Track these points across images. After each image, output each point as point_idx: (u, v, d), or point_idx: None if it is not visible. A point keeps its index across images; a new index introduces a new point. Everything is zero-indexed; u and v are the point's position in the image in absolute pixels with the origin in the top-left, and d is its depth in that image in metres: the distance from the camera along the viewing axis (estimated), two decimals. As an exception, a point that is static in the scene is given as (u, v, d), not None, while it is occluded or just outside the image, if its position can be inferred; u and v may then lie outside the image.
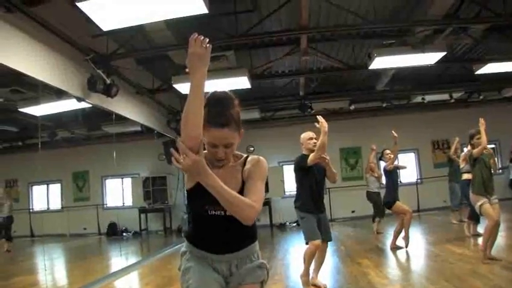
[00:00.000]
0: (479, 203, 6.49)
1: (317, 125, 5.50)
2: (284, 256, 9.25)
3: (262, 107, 14.30)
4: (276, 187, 15.85)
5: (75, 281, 8.10)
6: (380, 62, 8.85)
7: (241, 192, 2.28)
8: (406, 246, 8.45)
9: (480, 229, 8.48)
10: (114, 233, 15.28)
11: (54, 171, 14.80)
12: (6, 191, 12.35)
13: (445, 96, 14.14)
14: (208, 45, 2.10)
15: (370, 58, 8.77)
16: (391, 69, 10.57)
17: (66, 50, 7.10)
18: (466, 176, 8.79)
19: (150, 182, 16.16)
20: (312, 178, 5.84)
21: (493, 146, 15.30)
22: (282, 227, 15.36)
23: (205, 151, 2.22)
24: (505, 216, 9.98)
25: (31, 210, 14.16)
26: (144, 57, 9.46)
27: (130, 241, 15.05)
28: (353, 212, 15.76)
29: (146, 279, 8.01)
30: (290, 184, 7.03)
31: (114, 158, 10.52)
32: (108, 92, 7.90)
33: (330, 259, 8.17)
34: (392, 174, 8.73)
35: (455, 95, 14.20)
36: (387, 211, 9.78)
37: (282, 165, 16.14)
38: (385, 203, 8.88)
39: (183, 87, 9.31)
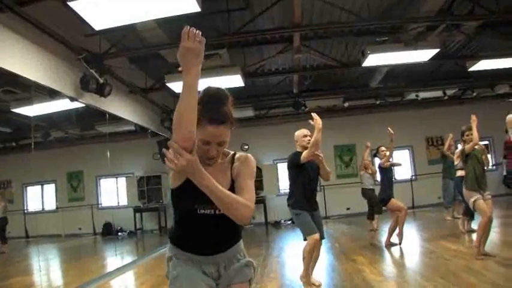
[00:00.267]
0: (472, 199, 6.50)
1: (311, 122, 5.48)
2: (279, 254, 9.26)
3: (256, 105, 14.28)
4: (271, 185, 15.87)
5: (71, 281, 8.08)
6: (373, 59, 8.86)
7: (231, 190, 2.24)
8: (400, 243, 8.46)
9: (474, 225, 8.50)
10: (109, 232, 15.23)
11: (48, 171, 14.75)
12: (0, 192, 12.30)
13: (439, 93, 14.17)
14: (202, 39, 2.00)
15: (364, 55, 8.78)
16: (385, 66, 10.58)
17: (58, 50, 7.07)
18: (460, 173, 8.80)
19: (145, 182, 16.13)
20: (305, 175, 5.81)
21: (486, 142, 15.36)
22: (277, 224, 15.36)
23: None
24: (499, 212, 10.07)
25: (25, 211, 14.08)
26: (137, 56, 9.43)
27: (126, 241, 15.02)
28: (348, 209, 15.77)
29: (141, 279, 7.99)
30: (285, 182, 7.04)
31: (108, 158, 10.50)
32: (101, 91, 7.87)
33: (325, 256, 8.18)
34: (387, 171, 8.73)
35: (449, 92, 14.22)
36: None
37: (277, 163, 16.17)
38: (380, 200, 8.88)
39: (177, 86, 9.31)
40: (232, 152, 2.44)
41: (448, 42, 10.38)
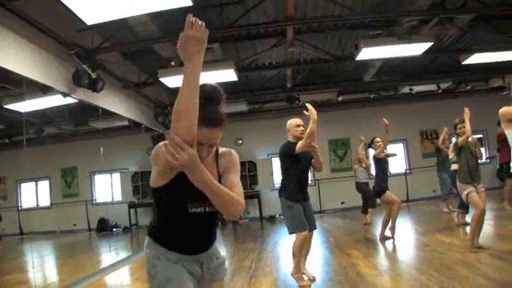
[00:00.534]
0: (465, 192, 6.54)
1: (306, 113, 5.45)
2: (274, 248, 9.28)
3: (250, 99, 14.27)
4: (265, 179, 15.88)
5: (66, 278, 8.05)
6: (367, 53, 8.84)
7: None
8: (393, 237, 8.46)
9: (468, 218, 8.52)
10: (103, 228, 15.19)
11: (42, 167, 14.69)
12: (-6, 189, 12.27)
13: (433, 87, 14.19)
14: (206, 29, 1.97)
15: (357, 49, 8.75)
16: (378, 60, 10.57)
17: (50, 45, 7.02)
18: (454, 167, 8.82)
19: (139, 177, 16.07)
20: (298, 166, 5.78)
21: (480, 135, 15.40)
22: (272, 219, 15.34)
23: None
24: (493, 205, 10.10)
25: (19, 208, 14.03)
26: (130, 51, 9.39)
27: (120, 236, 15.00)
28: (342, 203, 15.80)
29: (136, 274, 7.98)
30: (279, 176, 7.16)
31: (102, 154, 10.46)
32: (93, 86, 7.82)
33: (319, 250, 8.22)
34: (382, 163, 8.67)
35: (443, 86, 14.24)
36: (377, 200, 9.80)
37: (271, 157, 16.12)
38: (375, 192, 8.85)
39: (170, 81, 9.27)
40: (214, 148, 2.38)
41: (442, 36, 10.38)
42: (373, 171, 9.17)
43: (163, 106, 12.29)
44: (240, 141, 16.43)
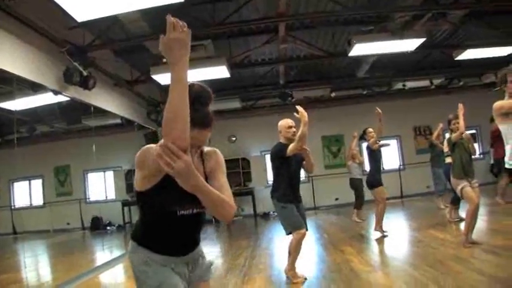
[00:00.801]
0: (460, 187, 6.57)
1: (296, 115, 5.42)
2: (268, 245, 9.26)
3: (243, 96, 14.24)
4: (259, 177, 15.86)
5: (60, 277, 8.02)
6: (359, 49, 8.82)
7: None
8: (383, 234, 8.43)
9: (462, 214, 8.52)
10: (97, 227, 15.16)
11: (35, 166, 14.64)
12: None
13: (426, 83, 14.21)
14: (188, 29, 1.87)
15: (350, 45, 8.73)
16: (371, 56, 10.55)
17: (41, 43, 6.98)
18: (448, 160, 8.85)
19: (133, 175, 15.91)
20: (290, 168, 5.75)
21: (473, 131, 15.44)
22: (266, 216, 15.34)
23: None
24: (486, 200, 10.12)
25: (12, 207, 13.98)
26: (122, 49, 9.35)
27: (114, 234, 14.96)
28: (336, 199, 15.81)
29: (130, 272, 7.88)
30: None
31: (94, 152, 10.42)
32: (85, 84, 7.79)
33: (313, 247, 8.20)
34: (375, 154, 8.60)
35: (436, 81, 14.27)
36: (368, 197, 9.80)
37: (264, 154, 16.09)
38: (368, 183, 8.76)
39: (162, 78, 9.24)
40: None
41: (435, 32, 10.37)
42: (366, 164, 9.14)
43: (156, 103, 12.24)
44: (234, 138, 16.42)
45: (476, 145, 13.58)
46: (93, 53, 8.13)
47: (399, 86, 14.24)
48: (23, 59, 6.55)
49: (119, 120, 11.91)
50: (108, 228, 15.40)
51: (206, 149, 2.37)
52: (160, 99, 12.28)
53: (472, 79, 14.72)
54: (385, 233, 8.45)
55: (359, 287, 5.31)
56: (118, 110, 10.50)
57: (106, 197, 16.09)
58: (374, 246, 7.89)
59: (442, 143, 10.37)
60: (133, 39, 8.07)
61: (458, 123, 6.69)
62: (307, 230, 5.86)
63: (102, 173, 16.16)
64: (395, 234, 8.52)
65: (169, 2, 5.67)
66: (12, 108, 8.21)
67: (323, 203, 15.98)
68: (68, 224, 15.22)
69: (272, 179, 6.03)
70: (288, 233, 5.77)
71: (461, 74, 14.14)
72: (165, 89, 10.71)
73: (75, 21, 6.10)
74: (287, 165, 5.71)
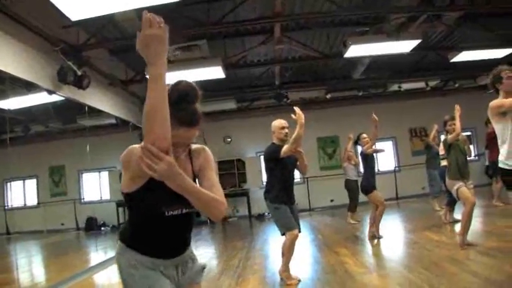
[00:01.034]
0: (455, 187, 6.59)
1: (293, 117, 5.38)
2: (263, 246, 9.23)
3: (238, 97, 14.20)
4: (254, 178, 15.84)
5: (53, 277, 8.00)
6: (355, 50, 8.82)
7: None
8: (378, 237, 8.42)
9: (457, 216, 8.52)
10: (92, 227, 15.11)
11: (29, 166, 14.59)
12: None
13: (421, 85, 14.23)
14: (165, 25, 1.81)
15: (345, 46, 8.73)
16: (367, 57, 10.54)
17: (35, 42, 6.95)
18: (444, 163, 8.86)
19: (125, 176, 15.96)
20: (284, 169, 5.72)
21: (469, 133, 15.48)
22: (261, 217, 15.31)
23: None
24: (481, 202, 10.13)
25: (6, 207, 13.91)
26: (117, 48, 9.32)
27: (109, 235, 14.89)
28: (332, 201, 15.80)
29: (122, 274, 7.90)
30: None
31: (88, 152, 10.38)
32: (79, 83, 7.75)
33: (308, 249, 8.18)
34: (369, 158, 8.60)
35: (431, 83, 14.29)
36: (361, 199, 9.80)
37: (260, 155, 16.01)
38: (362, 189, 8.77)
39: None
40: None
41: (430, 34, 10.37)
42: (361, 168, 9.14)
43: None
44: (229, 139, 16.42)
45: (471, 147, 13.60)
46: (87, 52, 8.09)
47: (395, 87, 14.25)
48: (17, 58, 6.52)
49: (113, 120, 11.87)
50: (102, 228, 15.35)
51: (194, 146, 2.31)
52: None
53: (467, 81, 14.76)
54: (380, 236, 8.44)
55: (353, 288, 5.30)
56: (113, 109, 10.46)
57: (101, 197, 16.04)
58: (369, 248, 7.87)
59: (438, 144, 10.39)
60: (128, 38, 8.03)
61: (454, 124, 6.70)
62: (300, 231, 5.83)
63: (97, 173, 16.10)
64: (391, 236, 8.51)
65: (165, 2, 5.64)
66: (6, 107, 8.16)
67: (318, 205, 15.98)
68: (62, 224, 15.16)
69: (266, 181, 5.99)
70: (283, 234, 5.74)
71: (456, 76, 14.17)
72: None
73: (70, 20, 6.07)
74: (281, 166, 5.68)
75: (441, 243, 7.22)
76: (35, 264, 10.45)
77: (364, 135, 8.73)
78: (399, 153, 16.88)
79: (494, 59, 10.26)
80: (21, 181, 14.96)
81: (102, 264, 8.64)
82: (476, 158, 15.68)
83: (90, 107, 9.23)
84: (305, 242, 8.71)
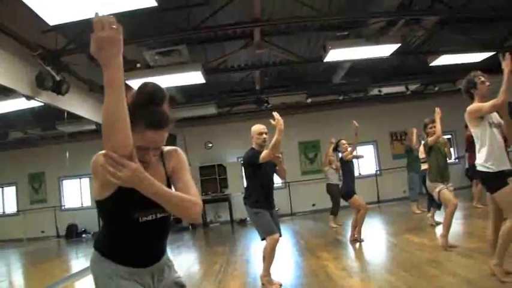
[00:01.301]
0: (437, 189, 6.69)
1: (272, 122, 5.37)
2: (244, 252, 9.21)
3: (219, 102, 14.16)
4: (236, 183, 15.80)
5: (33, 286, 7.95)
6: (335, 55, 8.84)
7: (167, 187, 2.08)
8: (360, 240, 8.45)
9: (438, 218, 8.57)
10: (72, 234, 15.00)
11: (8, 173, 14.48)
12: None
13: (402, 88, 14.31)
14: (118, 26, 1.76)
15: (325, 51, 8.74)
16: (347, 61, 10.59)
17: (12, 46, 6.86)
18: (424, 167, 8.94)
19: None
20: (263, 174, 5.72)
21: (449, 136, 15.61)
22: (243, 222, 15.22)
23: None
24: (462, 204, 10.21)
25: (-16, 216, 13.81)
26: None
27: (90, 242, 14.71)
28: (313, 205, 15.79)
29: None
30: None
31: (67, 158, 10.29)
32: (58, 89, 7.66)
33: (289, 253, 8.18)
34: (348, 164, 8.69)
35: (412, 87, 14.38)
36: (343, 203, 9.84)
37: (241, 160, 15.90)
38: (343, 194, 8.83)
39: (137, 84, 9.02)
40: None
41: (410, 38, 10.43)
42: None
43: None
44: (210, 145, 16.38)
45: (452, 150, 13.71)
46: (66, 57, 8.00)
47: (375, 91, 14.30)
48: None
49: (93, 126, 11.76)
50: (83, 235, 15.24)
51: (166, 148, 2.25)
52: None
53: (446, 85, 14.86)
54: (361, 240, 8.46)
55: (334, 292, 5.31)
56: (92, 115, 10.35)
57: (82, 204, 15.95)
58: (350, 252, 7.89)
59: (417, 149, 10.47)
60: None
61: (434, 127, 6.77)
62: (280, 235, 5.81)
63: (77, 180, 15.99)
64: (372, 239, 8.54)
65: (143, 6, 5.61)
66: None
67: (300, 209, 15.99)
68: (43, 232, 15.05)
69: (245, 186, 5.97)
70: (263, 239, 5.72)
71: (436, 79, 14.28)
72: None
73: (48, 24, 6.01)
74: (259, 171, 5.67)
75: (422, 245, 7.26)
76: (14, 272, 10.32)
77: (343, 141, 8.82)
78: (380, 157, 16.96)
79: (472, 62, 10.37)
80: (0, 188, 14.82)
81: (83, 272, 8.55)
82: (457, 160, 15.82)
83: (69, 113, 9.14)
84: (287, 247, 8.71)
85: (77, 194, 16.04)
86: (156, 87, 2.07)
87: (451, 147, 14.26)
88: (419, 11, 8.19)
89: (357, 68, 11.85)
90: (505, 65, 4.41)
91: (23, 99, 7.64)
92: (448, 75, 13.55)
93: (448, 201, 6.56)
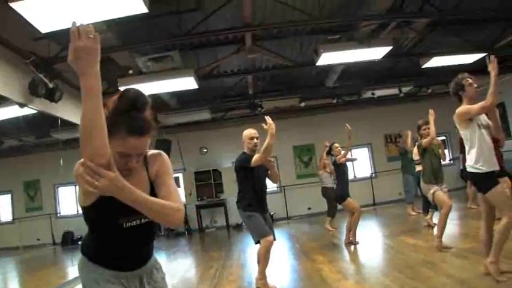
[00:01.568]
0: (431, 191, 6.71)
1: (265, 126, 5.39)
2: (239, 256, 9.22)
3: (212, 107, 14.15)
4: (231, 188, 15.77)
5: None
6: (327, 58, 8.83)
7: (151, 192, 2.09)
8: (355, 242, 8.46)
9: (436, 219, 8.60)
10: (68, 242, 14.95)
11: (3, 181, 14.43)
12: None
13: (395, 91, 14.31)
14: (96, 35, 1.79)
15: (317, 54, 8.76)
16: (340, 65, 10.60)
17: (5, 54, 6.86)
18: (419, 168, 8.97)
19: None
20: (255, 178, 5.73)
21: (443, 137, 15.63)
22: (239, 227, 15.20)
23: None
24: (457, 205, 10.24)
25: (-20, 224, 13.76)
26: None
27: (86, 249, 14.74)
28: (309, 209, 15.78)
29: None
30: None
31: (62, 165, 10.27)
32: (51, 96, 7.65)
33: (285, 257, 8.19)
34: (342, 167, 8.71)
35: (405, 89, 14.39)
36: (338, 207, 9.86)
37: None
38: (337, 197, 8.86)
39: (130, 90, 9.13)
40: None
41: (402, 40, 10.47)
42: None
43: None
44: (205, 150, 16.37)
45: (446, 151, 13.75)
46: (59, 64, 8.00)
47: (368, 94, 14.31)
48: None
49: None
50: (79, 243, 15.14)
51: (150, 153, 2.24)
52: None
53: (439, 86, 14.88)
54: (356, 242, 8.48)
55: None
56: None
57: (77, 211, 15.79)
58: (345, 255, 7.91)
59: (411, 150, 10.51)
60: (100, 50, 7.95)
61: (428, 128, 6.80)
62: (275, 239, 5.82)
63: (73, 187, 15.87)
64: (367, 242, 8.56)
65: (135, 13, 5.61)
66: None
67: (295, 213, 15.96)
68: (38, 239, 14.99)
69: (238, 189, 5.98)
70: (257, 242, 5.72)
71: (429, 81, 14.29)
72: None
73: (40, 32, 6.02)
74: (252, 175, 5.68)
75: (417, 247, 7.28)
76: (10, 281, 10.29)
77: (336, 144, 8.83)
78: (375, 159, 16.97)
79: (464, 64, 10.41)
80: (-5, 197, 14.78)
81: (79, 279, 8.53)
82: (451, 162, 15.84)
83: (63, 120, 9.13)
84: (282, 250, 8.72)
85: (72, 201, 15.93)
86: (138, 93, 2.08)
87: (445, 148, 14.30)
88: (410, 14, 8.21)
89: (350, 71, 11.88)
90: (491, 68, 4.46)
91: (16, 106, 7.63)
92: (441, 77, 13.55)
93: (443, 203, 6.60)
